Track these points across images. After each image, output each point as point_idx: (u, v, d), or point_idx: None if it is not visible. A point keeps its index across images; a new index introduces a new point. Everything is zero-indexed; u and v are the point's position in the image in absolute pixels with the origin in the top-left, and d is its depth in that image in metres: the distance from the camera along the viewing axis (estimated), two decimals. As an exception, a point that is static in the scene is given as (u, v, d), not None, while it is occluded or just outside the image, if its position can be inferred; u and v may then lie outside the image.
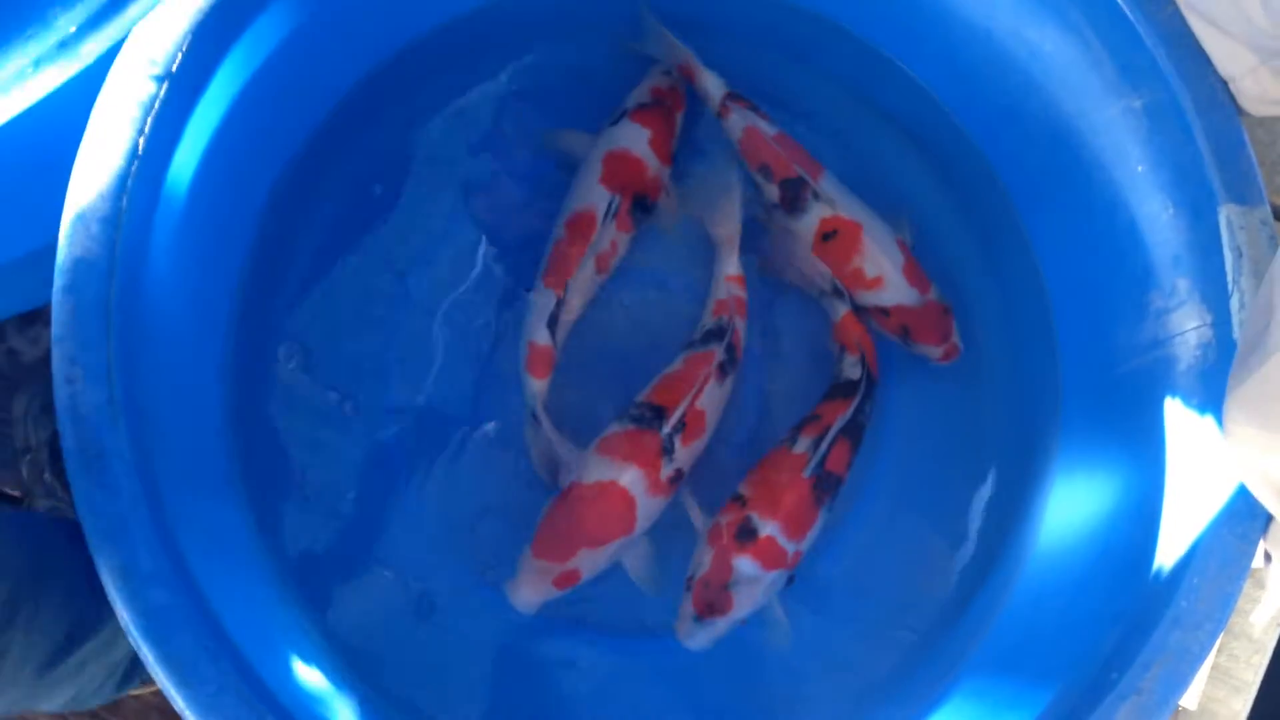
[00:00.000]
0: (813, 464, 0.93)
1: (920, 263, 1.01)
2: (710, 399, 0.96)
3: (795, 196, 1.00)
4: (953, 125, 1.04)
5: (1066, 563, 0.92)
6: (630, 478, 0.93)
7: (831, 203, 0.99)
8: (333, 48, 0.97)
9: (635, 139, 1.02)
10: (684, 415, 0.94)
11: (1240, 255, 0.81)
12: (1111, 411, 0.93)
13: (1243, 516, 0.78)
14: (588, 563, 0.93)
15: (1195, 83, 0.84)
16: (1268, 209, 0.82)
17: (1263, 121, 0.90)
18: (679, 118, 1.05)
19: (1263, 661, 1.08)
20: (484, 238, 1.06)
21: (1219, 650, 1.08)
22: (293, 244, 1.02)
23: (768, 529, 0.92)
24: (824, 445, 0.94)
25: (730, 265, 1.01)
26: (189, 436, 0.87)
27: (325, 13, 0.92)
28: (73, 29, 0.74)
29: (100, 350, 0.76)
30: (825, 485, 0.94)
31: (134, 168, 0.78)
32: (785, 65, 1.08)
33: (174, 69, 0.80)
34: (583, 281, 1.01)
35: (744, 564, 0.91)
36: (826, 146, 1.06)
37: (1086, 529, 0.91)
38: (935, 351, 1.01)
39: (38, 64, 0.73)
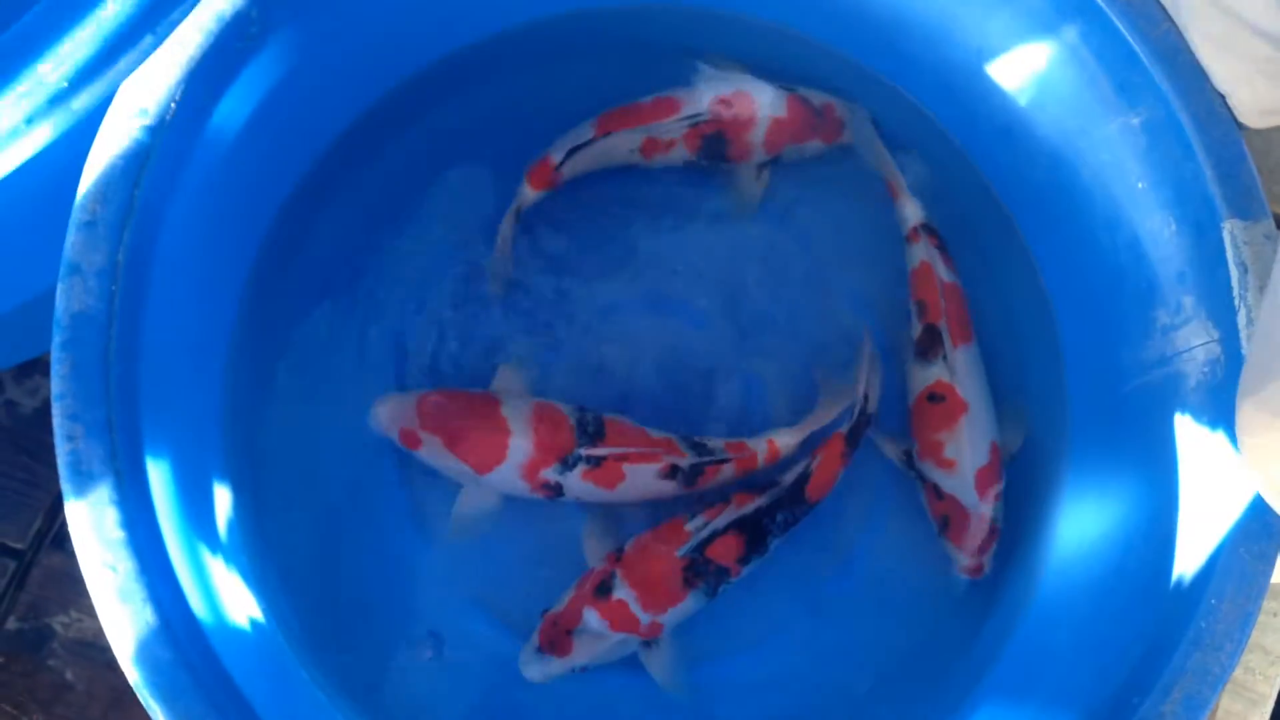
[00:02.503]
0: (689, 546, 0.93)
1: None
2: (641, 478, 0.95)
3: (927, 347, 0.99)
4: (951, 145, 1.04)
5: (1080, 585, 0.91)
6: (518, 444, 0.94)
7: (954, 372, 0.98)
8: (324, 91, 0.97)
9: (768, 105, 1.02)
10: (605, 457, 0.94)
11: (1245, 270, 0.81)
12: (1120, 430, 0.92)
13: (1259, 535, 0.77)
14: (430, 449, 0.96)
15: (1193, 98, 0.84)
16: (1271, 223, 0.81)
17: (1259, 130, 0.90)
18: (816, 143, 1.05)
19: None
20: (485, 272, 1.05)
21: (1235, 663, 1.07)
22: (288, 287, 1.02)
23: (623, 593, 0.92)
24: (706, 532, 0.93)
25: (786, 437, 0.98)
26: (191, 487, 0.86)
27: (314, 57, 0.92)
28: (64, 84, 0.73)
29: (100, 406, 0.75)
30: (700, 570, 0.93)
31: (129, 219, 0.78)
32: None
33: (166, 119, 0.79)
34: (620, 142, 1.02)
35: (592, 617, 0.92)
36: (826, 169, 1.06)
37: (1099, 550, 0.91)
38: (962, 559, 0.98)
39: (30, 119, 0.73)
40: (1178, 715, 0.75)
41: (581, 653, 0.93)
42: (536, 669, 0.93)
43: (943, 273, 1.00)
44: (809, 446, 0.99)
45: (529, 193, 1.03)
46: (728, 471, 0.97)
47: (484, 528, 0.98)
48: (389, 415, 0.97)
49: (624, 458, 0.95)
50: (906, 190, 1.03)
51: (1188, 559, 0.80)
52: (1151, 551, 0.84)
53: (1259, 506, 0.77)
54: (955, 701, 0.94)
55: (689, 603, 0.94)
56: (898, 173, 1.03)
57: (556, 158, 1.02)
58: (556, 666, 0.93)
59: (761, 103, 1.02)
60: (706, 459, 0.96)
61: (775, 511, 0.95)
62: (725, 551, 0.93)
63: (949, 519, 0.97)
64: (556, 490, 0.96)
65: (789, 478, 0.96)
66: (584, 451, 0.94)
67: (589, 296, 1.05)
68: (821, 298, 1.06)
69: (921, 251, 1.01)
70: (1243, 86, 0.82)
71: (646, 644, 0.95)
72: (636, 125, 1.02)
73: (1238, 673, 1.07)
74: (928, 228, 1.02)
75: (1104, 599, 0.88)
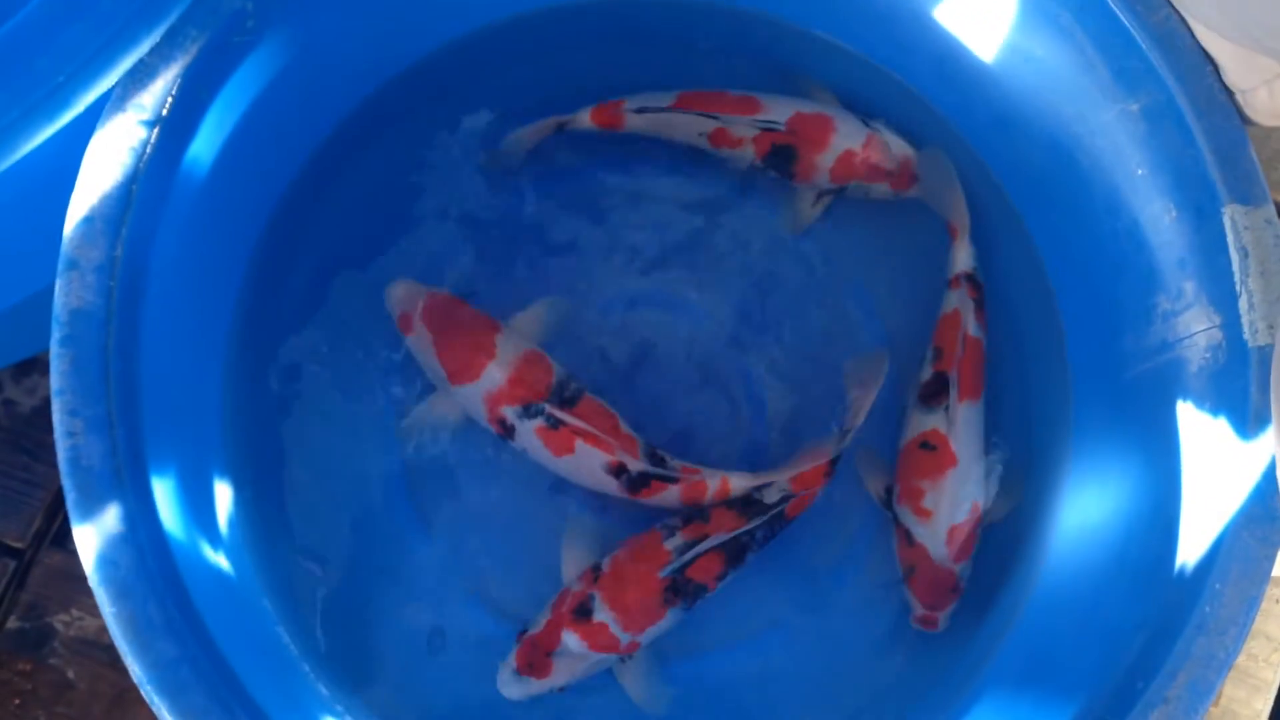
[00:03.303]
0: (672, 567, 0.93)
1: (977, 542, 0.97)
2: (587, 460, 0.95)
3: (932, 394, 0.98)
4: (950, 133, 1.04)
5: (1083, 572, 0.91)
6: (494, 372, 0.96)
7: (952, 425, 0.96)
8: (322, 83, 0.96)
9: (845, 135, 1.02)
10: (564, 423, 0.94)
11: (1246, 255, 0.81)
12: (1123, 417, 0.92)
13: (1262, 520, 0.77)
14: (419, 340, 0.98)
15: (1193, 84, 0.83)
16: (1272, 208, 0.81)
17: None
18: (883, 187, 1.03)
19: (1283, 660, 1.07)
20: (482, 262, 1.05)
21: (1238, 650, 1.07)
22: (288, 277, 1.02)
23: (604, 615, 0.92)
24: (689, 555, 0.93)
25: (740, 481, 0.96)
26: (193, 482, 0.86)
27: (312, 51, 0.91)
28: (62, 79, 0.73)
29: (101, 402, 0.75)
30: (680, 590, 0.93)
31: (127, 215, 0.78)
32: (781, 80, 1.07)
33: (164, 113, 0.79)
34: (692, 121, 1.02)
35: (571, 639, 0.92)
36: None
37: (1102, 537, 0.90)
38: (918, 608, 0.97)
39: (28, 114, 0.72)
40: (1182, 700, 0.75)
41: (561, 674, 0.93)
42: (516, 690, 0.93)
43: (970, 325, 0.99)
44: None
45: (585, 119, 1.03)
46: (672, 495, 0.96)
47: (437, 436, 1.00)
48: (398, 296, 0.99)
49: (581, 433, 0.95)
50: (967, 236, 1.01)
51: (1191, 544, 0.80)
52: (1155, 537, 0.84)
53: (1262, 491, 0.77)
54: (959, 689, 0.94)
55: (667, 620, 0.94)
56: (966, 217, 1.01)
57: (629, 105, 1.03)
58: (536, 688, 0.93)
59: (839, 131, 1.02)
60: (655, 472, 0.95)
61: (758, 531, 0.95)
62: (706, 570, 0.93)
63: (915, 568, 0.96)
64: (509, 432, 0.96)
65: (773, 499, 0.96)
66: (549, 408, 0.95)
67: (613, 287, 1.06)
68: (843, 319, 1.06)
69: (957, 299, 1.00)
70: (1262, 89, 0.82)
71: (621, 659, 0.95)
72: (713, 111, 1.02)
73: (1241, 659, 1.07)
74: (972, 278, 1.00)
75: (1107, 585, 0.87)
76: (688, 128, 1.03)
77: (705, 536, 0.94)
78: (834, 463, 0.97)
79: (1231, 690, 1.07)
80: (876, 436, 1.01)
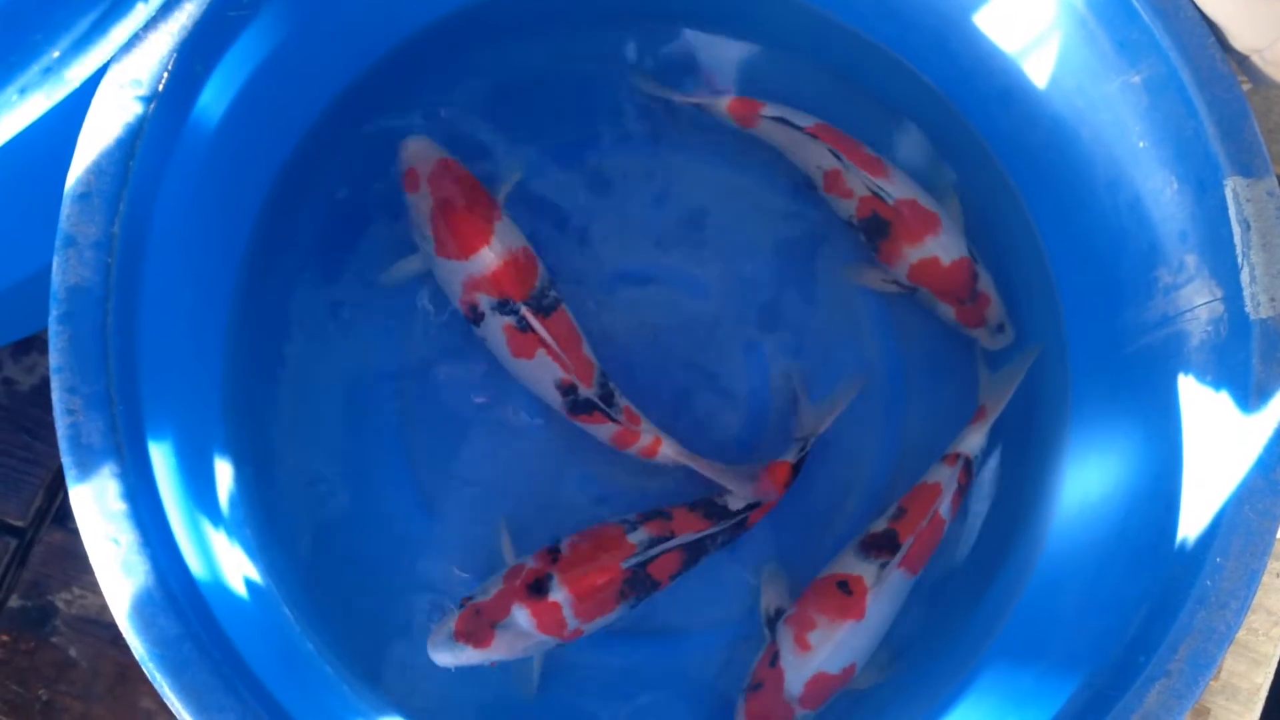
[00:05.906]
0: (635, 560, 0.92)
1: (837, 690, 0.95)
2: (542, 370, 0.96)
3: (875, 545, 0.95)
4: (948, 109, 1.04)
5: (1084, 547, 0.91)
6: (485, 258, 0.95)
7: (878, 584, 0.93)
8: (320, 58, 0.96)
9: (938, 243, 1.00)
10: (533, 329, 0.95)
11: (1248, 228, 0.80)
12: (1123, 392, 0.92)
13: (1263, 494, 0.77)
14: (418, 201, 0.98)
15: (1195, 55, 0.83)
16: (1274, 180, 0.81)
17: (1257, 89, 0.90)
18: (949, 311, 1.02)
19: (1283, 634, 1.07)
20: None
21: (1238, 624, 1.07)
22: (287, 252, 1.02)
23: (559, 596, 0.91)
24: (655, 551, 0.92)
25: (670, 451, 0.97)
26: (193, 459, 0.86)
27: (309, 24, 0.91)
28: (57, 54, 0.72)
29: (100, 379, 0.74)
30: (637, 584, 0.92)
31: (124, 191, 0.77)
32: (777, 55, 1.07)
33: (160, 89, 0.78)
34: (817, 152, 1.02)
35: (521, 615, 0.91)
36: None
37: (1103, 512, 0.91)
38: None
39: (23, 91, 0.72)
40: (1184, 673, 0.75)
41: (500, 648, 0.91)
42: (447, 655, 0.91)
43: (943, 505, 0.97)
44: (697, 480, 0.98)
45: (721, 106, 1.04)
46: (605, 431, 0.97)
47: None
48: (412, 150, 0.99)
49: (545, 345, 0.95)
50: (988, 424, 1.00)
51: (1192, 518, 0.80)
52: (1156, 511, 0.84)
53: (1263, 465, 0.77)
54: (962, 664, 0.94)
55: (615, 614, 0.93)
56: (998, 410, 1.00)
57: (768, 111, 1.02)
58: (469, 657, 0.91)
59: (938, 237, 1.00)
60: (600, 406, 0.96)
61: (720, 535, 0.95)
62: (663, 568, 0.93)
63: (762, 686, 0.94)
64: (477, 319, 0.97)
65: (738, 506, 0.96)
66: (524, 310, 0.95)
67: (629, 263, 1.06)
68: (855, 337, 1.06)
69: (944, 475, 0.98)
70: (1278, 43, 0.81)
71: (558, 644, 0.94)
72: (842, 152, 1.01)
73: (1241, 634, 1.07)
74: (969, 464, 0.99)
75: (1109, 559, 0.88)
76: (810, 156, 1.02)
77: (668, 532, 0.93)
78: (794, 471, 0.97)
79: (1232, 664, 1.07)
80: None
